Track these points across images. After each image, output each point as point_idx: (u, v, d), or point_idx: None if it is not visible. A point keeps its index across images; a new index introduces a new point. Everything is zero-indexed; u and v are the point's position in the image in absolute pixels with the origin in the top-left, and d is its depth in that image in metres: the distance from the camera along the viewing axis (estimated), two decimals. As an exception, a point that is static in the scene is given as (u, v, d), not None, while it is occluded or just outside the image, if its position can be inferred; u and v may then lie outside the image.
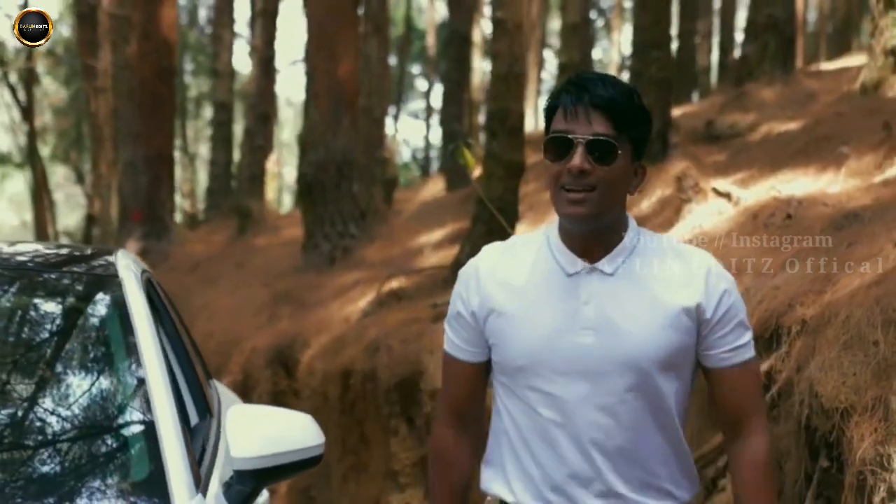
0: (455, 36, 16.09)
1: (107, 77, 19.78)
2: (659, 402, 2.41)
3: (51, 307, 3.16)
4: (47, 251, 3.76)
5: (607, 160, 2.31)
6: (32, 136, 28.07)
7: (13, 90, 28.83)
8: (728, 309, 2.42)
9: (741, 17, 30.85)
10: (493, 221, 7.26)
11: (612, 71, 32.09)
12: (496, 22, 7.34)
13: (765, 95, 10.89)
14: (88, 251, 3.54)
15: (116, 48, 18.42)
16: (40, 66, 29.26)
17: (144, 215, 15.47)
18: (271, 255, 13.01)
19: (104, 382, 2.82)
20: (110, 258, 3.35)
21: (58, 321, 3.10)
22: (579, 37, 16.84)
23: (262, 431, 2.74)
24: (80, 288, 3.23)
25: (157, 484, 2.45)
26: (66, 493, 2.42)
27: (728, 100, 11.41)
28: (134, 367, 2.78)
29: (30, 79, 28.08)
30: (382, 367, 6.63)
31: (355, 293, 8.95)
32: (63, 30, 32.33)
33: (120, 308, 2.97)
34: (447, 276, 7.77)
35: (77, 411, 2.74)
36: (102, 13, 19.76)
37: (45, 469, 2.55)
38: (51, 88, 34.35)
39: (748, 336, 2.47)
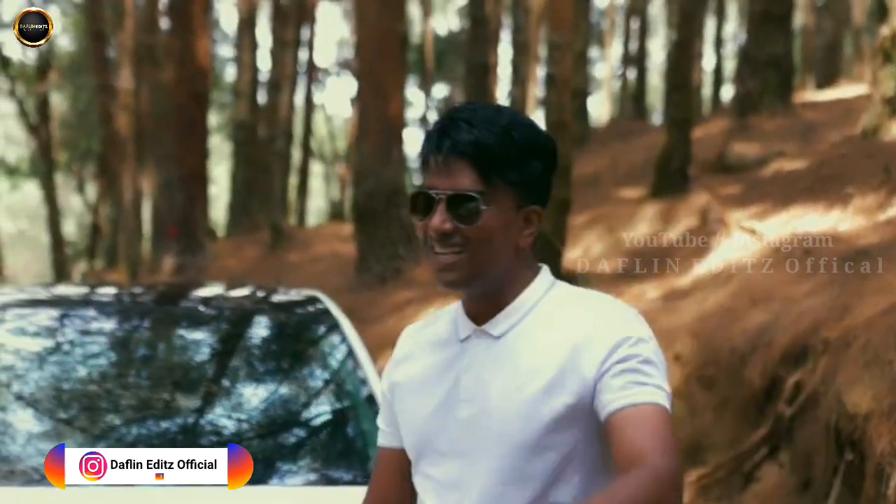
0: (475, 66, 16.93)
1: (128, 96, 20.50)
2: (540, 490, 1.91)
3: (298, 338, 3.94)
4: (259, 293, 4.48)
5: (469, 219, 1.90)
6: (49, 157, 28.70)
7: (21, 103, 29.50)
8: (625, 357, 1.86)
9: (729, 29, 31.80)
10: (543, 252, 8.11)
11: (606, 83, 32.57)
12: (549, 77, 8.28)
13: (767, 127, 11.75)
14: (291, 292, 4.31)
15: (142, 71, 19.12)
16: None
17: (180, 232, 16.17)
18: (308, 272, 13.68)
19: (345, 394, 3.66)
20: (314, 297, 4.13)
21: (305, 348, 3.87)
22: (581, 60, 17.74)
23: None
24: (310, 322, 3.97)
25: None
26: (322, 473, 3.26)
27: (733, 130, 12.27)
28: (360, 382, 3.58)
29: (43, 100, 28.74)
30: (456, 377, 7.39)
31: (410, 310, 9.64)
32: (65, 43, 32.86)
33: (341, 335, 3.79)
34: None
35: (325, 412, 3.59)
36: (126, 35, 20.49)
37: (306, 456, 3.39)
38: (55, 100, 34.76)
39: (649, 380, 1.85)
